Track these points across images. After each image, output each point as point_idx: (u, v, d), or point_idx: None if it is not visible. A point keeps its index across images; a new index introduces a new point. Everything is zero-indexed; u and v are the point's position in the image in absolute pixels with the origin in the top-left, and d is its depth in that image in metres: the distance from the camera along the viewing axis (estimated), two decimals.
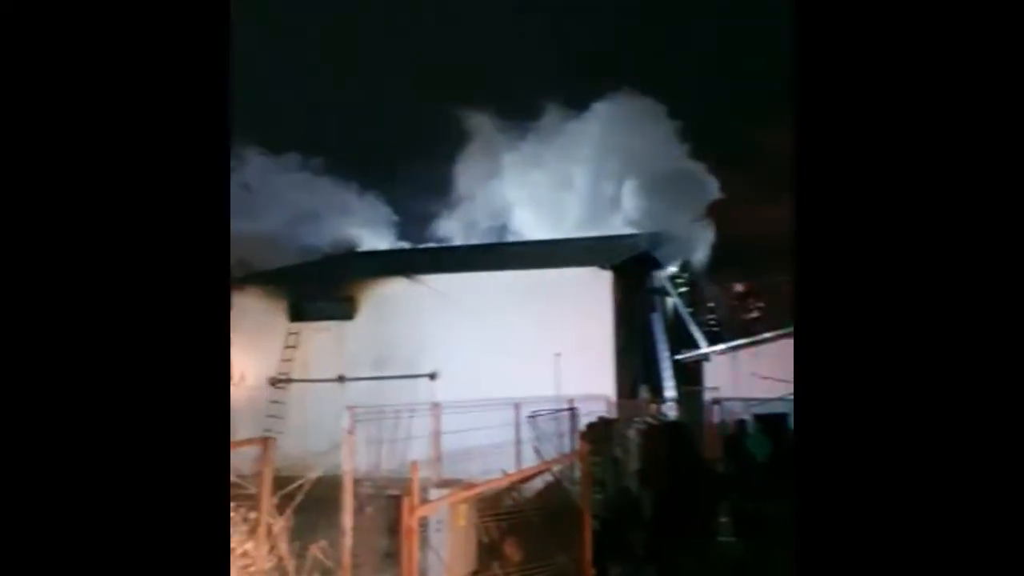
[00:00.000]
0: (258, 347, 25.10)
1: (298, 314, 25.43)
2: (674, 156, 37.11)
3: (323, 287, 26.17)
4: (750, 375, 19.85)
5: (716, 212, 35.34)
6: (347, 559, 7.31)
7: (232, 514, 6.82)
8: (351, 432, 7.58)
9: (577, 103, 39.19)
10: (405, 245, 35.28)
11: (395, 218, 37.24)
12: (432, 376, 21.74)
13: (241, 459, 8.23)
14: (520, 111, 43.20)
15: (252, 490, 7.09)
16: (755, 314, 32.23)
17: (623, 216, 35.26)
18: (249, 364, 25.20)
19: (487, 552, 8.44)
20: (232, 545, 6.75)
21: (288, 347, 24.85)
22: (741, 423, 17.47)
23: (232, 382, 25.21)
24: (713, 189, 36.30)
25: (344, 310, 24.91)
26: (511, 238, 35.38)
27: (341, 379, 23.94)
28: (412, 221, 37.56)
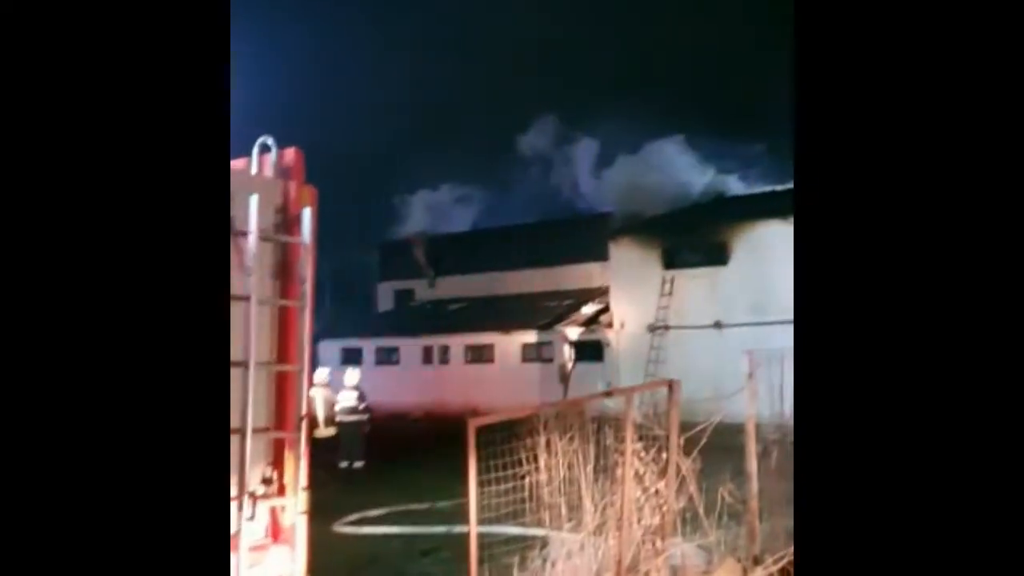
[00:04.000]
0: (635, 295, 25.93)
1: (672, 261, 25.76)
2: None
3: (695, 234, 26.18)
4: None
5: None
6: (754, 503, 7.26)
7: (643, 455, 7.13)
8: (751, 375, 7.46)
9: None
10: (775, 188, 33.90)
11: (758, 161, 35.95)
12: None
13: (646, 401, 8.56)
14: None
15: (659, 431, 7.34)
16: None
17: None
18: (628, 312, 26.15)
19: None
20: (646, 484, 7.06)
21: (664, 295, 25.32)
22: None
23: (612, 329, 26.38)
24: None
25: (717, 255, 24.72)
26: None
27: (718, 325, 23.87)
28: (777, 162, 35.95)
